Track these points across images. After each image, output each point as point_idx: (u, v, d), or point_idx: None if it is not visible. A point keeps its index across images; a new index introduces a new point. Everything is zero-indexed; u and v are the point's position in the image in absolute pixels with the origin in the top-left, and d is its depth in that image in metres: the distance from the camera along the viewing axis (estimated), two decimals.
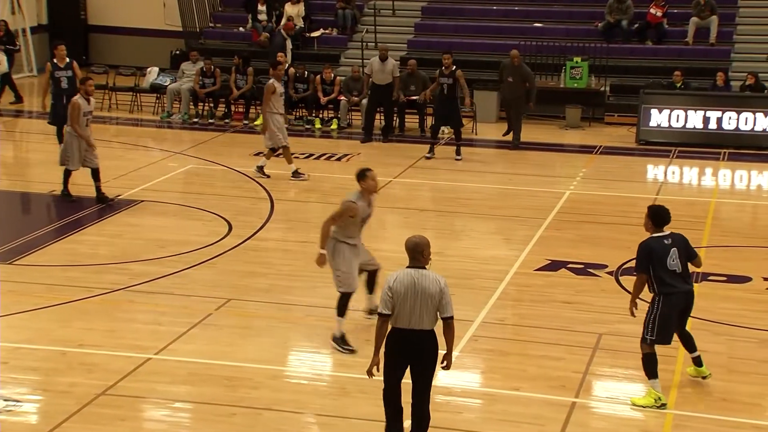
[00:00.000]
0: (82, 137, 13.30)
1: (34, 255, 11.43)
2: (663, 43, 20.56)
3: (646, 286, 8.07)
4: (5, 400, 7.96)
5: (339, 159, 16.62)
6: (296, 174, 14.84)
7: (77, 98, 13.45)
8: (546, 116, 19.52)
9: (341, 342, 9.05)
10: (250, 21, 22.38)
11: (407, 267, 6.98)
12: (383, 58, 17.61)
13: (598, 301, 10.33)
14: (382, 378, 7.11)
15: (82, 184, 14.42)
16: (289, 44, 19.76)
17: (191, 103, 19.36)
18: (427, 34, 21.97)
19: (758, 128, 17.45)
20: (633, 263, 11.40)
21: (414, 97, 18.03)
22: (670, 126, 17.78)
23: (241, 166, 15.75)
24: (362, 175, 9.11)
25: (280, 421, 7.76)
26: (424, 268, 6.97)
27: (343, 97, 18.70)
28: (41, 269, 10.98)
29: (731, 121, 17.54)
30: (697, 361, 8.41)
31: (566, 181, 15.13)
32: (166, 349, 8.98)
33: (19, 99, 20.36)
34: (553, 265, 11.35)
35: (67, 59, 15.83)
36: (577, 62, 19.17)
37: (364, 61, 19.34)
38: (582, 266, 11.35)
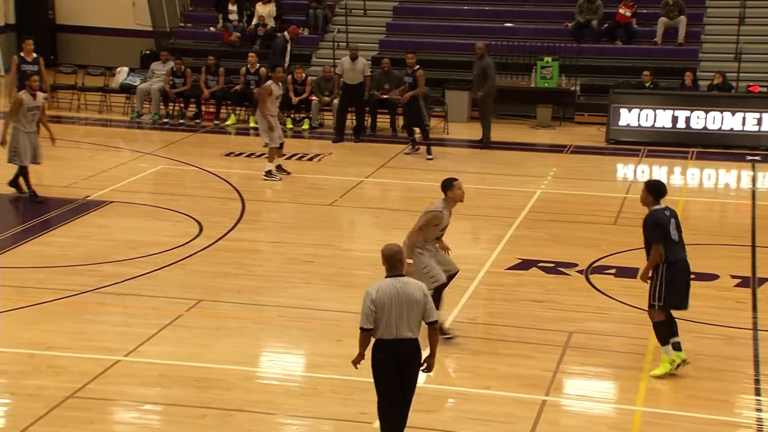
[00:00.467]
0: (5, 131, 13.24)
1: (2, 257, 11.32)
2: (632, 43, 20.72)
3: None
4: None
5: (311, 159, 16.60)
6: (269, 174, 14.82)
7: (22, 93, 13.45)
8: (517, 116, 19.62)
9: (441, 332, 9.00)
10: (220, 21, 22.30)
11: (386, 277, 6.84)
12: (354, 58, 17.61)
13: (569, 300, 10.39)
14: (361, 383, 7.07)
15: (49, 185, 14.32)
16: (289, 47, 19.67)
17: (161, 104, 19.25)
18: (399, 33, 21.99)
19: (726, 127, 17.63)
20: (603, 262, 11.56)
21: (385, 96, 18.02)
22: (639, 125, 17.92)
23: (212, 166, 15.69)
24: (449, 184, 9.17)
25: (252, 423, 7.74)
26: (403, 276, 6.88)
27: (314, 97, 18.67)
28: (9, 271, 10.87)
29: (699, 120, 17.71)
30: (676, 346, 8.60)
31: (537, 181, 15.21)
32: (136, 350, 8.92)
33: None
34: (524, 264, 11.40)
35: (35, 54, 16.11)
36: (547, 62, 19.27)
37: (336, 60, 19.33)
38: (552, 265, 11.42)
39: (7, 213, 13.92)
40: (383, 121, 18.54)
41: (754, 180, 15.80)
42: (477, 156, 17.10)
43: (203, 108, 19.21)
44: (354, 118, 18.00)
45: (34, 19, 23.43)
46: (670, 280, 8.42)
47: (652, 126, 17.87)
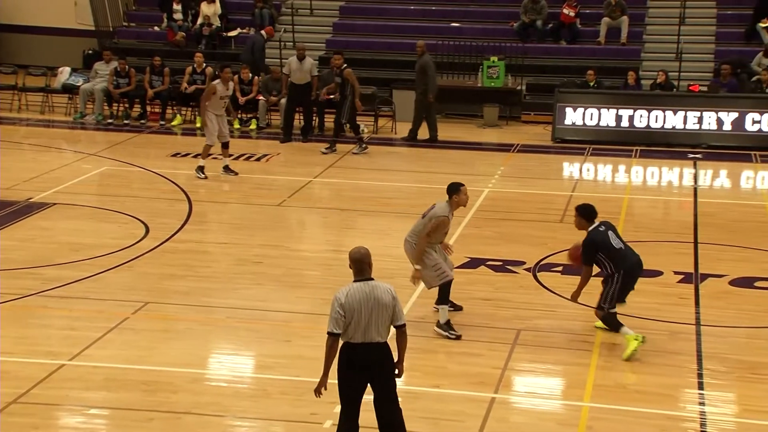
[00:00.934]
0: None
1: None
2: (576, 43, 20.97)
3: (601, 269, 9.02)
4: None
5: (258, 159, 16.51)
6: (200, 169, 14.78)
7: None
8: (464, 115, 19.74)
9: (447, 328, 9.27)
10: (165, 20, 22.07)
11: (355, 281, 6.77)
12: (301, 58, 17.56)
13: (517, 298, 10.48)
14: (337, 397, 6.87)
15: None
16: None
17: (105, 104, 18.99)
18: (346, 33, 21.99)
19: (668, 126, 17.93)
20: (550, 259, 11.68)
21: (330, 96, 17.98)
22: (584, 124, 18.14)
23: (158, 167, 15.52)
24: (456, 189, 9.32)
25: (201, 425, 7.68)
26: (372, 279, 6.82)
27: (261, 97, 18.57)
28: None
29: (642, 119, 17.98)
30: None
31: (484, 179, 15.32)
32: (81, 354, 8.79)
33: None
34: (473, 263, 11.47)
35: None
36: (494, 62, 19.41)
37: (283, 60, 19.24)
38: (501, 263, 11.50)
39: None
40: (331, 120, 18.49)
41: (695, 177, 16.10)
42: (424, 155, 17.16)
43: (148, 108, 19.00)
44: (302, 118, 17.94)
45: None
46: (624, 285, 9.01)
47: (597, 125, 18.11)
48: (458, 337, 9.32)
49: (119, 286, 10.51)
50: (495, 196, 14.53)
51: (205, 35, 21.41)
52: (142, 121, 18.80)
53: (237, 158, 16.38)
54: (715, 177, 16.49)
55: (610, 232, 8.96)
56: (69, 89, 19.48)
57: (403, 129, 18.55)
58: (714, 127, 17.82)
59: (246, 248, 11.82)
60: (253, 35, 20.37)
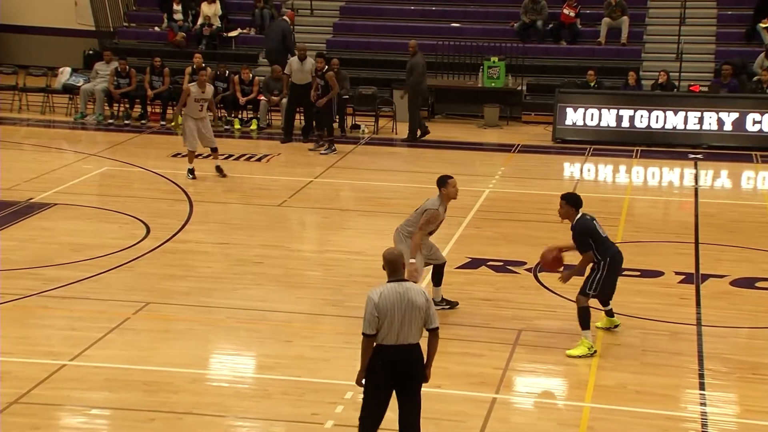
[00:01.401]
0: None
1: None
2: (577, 43, 20.97)
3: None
4: None
5: (259, 159, 16.51)
6: (191, 172, 14.71)
7: None
8: (464, 115, 19.74)
9: (441, 302, 9.63)
10: (165, 20, 22.07)
11: (388, 281, 6.71)
12: (302, 58, 17.55)
13: (518, 298, 10.48)
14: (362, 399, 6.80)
15: None
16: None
17: (106, 104, 18.99)
18: (346, 33, 21.99)
19: (668, 126, 17.93)
20: None
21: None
22: (584, 124, 18.14)
23: (159, 167, 15.52)
24: (443, 182, 9.42)
25: (202, 425, 7.67)
26: (406, 281, 6.78)
27: (262, 97, 18.57)
28: None
29: (643, 119, 17.99)
30: (609, 313, 9.41)
31: (485, 180, 15.32)
32: (82, 354, 8.79)
33: None
34: (473, 263, 11.47)
35: None
36: (494, 62, 19.41)
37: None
38: (501, 263, 11.50)
39: None
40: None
41: (696, 178, 16.10)
42: (424, 155, 17.16)
43: (149, 109, 19.00)
44: (302, 118, 17.94)
45: None
46: (611, 271, 9.03)
47: (598, 125, 18.11)
48: (453, 305, 9.76)
49: (120, 287, 10.51)
50: (495, 196, 14.53)
51: (205, 35, 21.41)
52: (143, 122, 18.80)
53: (238, 158, 16.39)
54: (716, 177, 16.49)
55: (594, 222, 9.09)
56: (69, 89, 19.49)
57: (403, 129, 18.55)
58: (715, 127, 17.82)
59: (246, 248, 11.82)
60: (276, 23, 20.20)
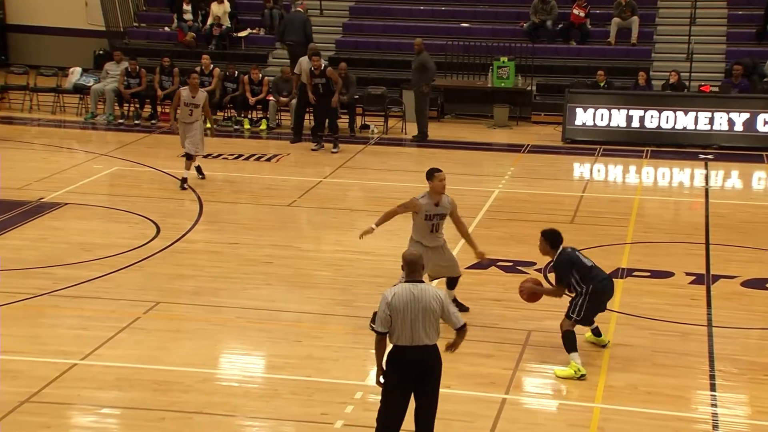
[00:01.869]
0: None
1: None
2: (586, 43, 20.94)
3: (572, 288, 8.84)
4: None
5: (269, 159, 16.53)
6: (184, 181, 14.25)
7: None
8: (474, 115, 19.73)
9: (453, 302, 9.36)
10: (175, 21, 22.11)
11: (405, 281, 6.73)
12: (314, 53, 17.50)
13: None
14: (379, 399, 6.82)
15: (2, 187, 14.11)
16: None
17: (116, 104, 19.05)
18: (355, 34, 22.00)
19: (679, 126, 17.88)
20: None
21: (343, 97, 18.00)
22: (594, 124, 18.11)
23: (169, 167, 15.54)
24: (430, 175, 9.37)
25: (212, 425, 7.69)
26: (422, 282, 6.79)
27: (271, 98, 18.59)
28: None
29: (653, 119, 17.94)
30: (596, 332, 9.17)
31: (494, 180, 15.30)
32: (93, 354, 8.81)
33: None
34: (483, 263, 11.44)
35: None
36: (503, 62, 19.39)
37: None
38: (511, 264, 11.49)
39: None
40: (342, 121, 18.51)
41: (707, 178, 16.05)
42: (435, 155, 17.14)
43: (159, 108, 19.04)
44: (312, 118, 17.95)
45: None
46: (592, 299, 8.71)
47: (608, 125, 18.07)
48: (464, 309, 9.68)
49: (130, 286, 10.53)
50: (505, 196, 14.51)
51: (215, 35, 21.45)
52: (153, 122, 18.84)
53: (247, 159, 16.42)
54: (727, 178, 16.44)
55: (576, 252, 8.85)
56: (80, 89, 19.55)
57: (413, 129, 18.55)
58: (725, 127, 17.77)
59: (256, 248, 11.84)
60: (294, 15, 20.10)
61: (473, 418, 7.86)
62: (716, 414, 8.06)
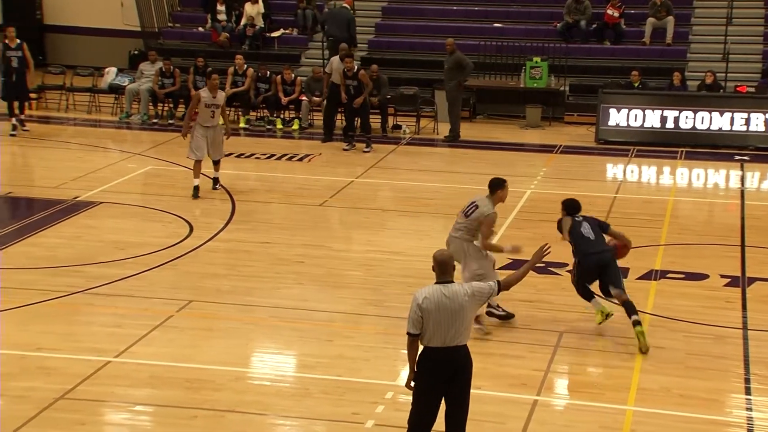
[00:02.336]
0: None
1: None
2: (620, 44, 20.77)
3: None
4: None
5: (301, 159, 16.58)
6: (196, 190, 13.89)
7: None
8: (506, 116, 19.65)
9: (498, 308, 9.74)
10: (209, 21, 22.25)
11: (436, 283, 6.68)
12: (346, 55, 17.56)
13: (559, 300, 10.40)
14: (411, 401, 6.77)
15: (39, 186, 14.30)
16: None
17: (150, 104, 19.20)
18: (388, 34, 22.00)
19: (714, 127, 17.70)
20: None
21: (374, 98, 18.02)
22: (628, 125, 17.97)
23: (202, 167, 15.59)
24: (501, 185, 9.57)
25: (243, 423, 7.72)
26: (453, 283, 6.73)
27: (304, 98, 18.65)
28: None
29: (688, 120, 17.77)
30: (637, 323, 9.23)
31: (527, 181, 15.23)
32: (126, 351, 8.89)
33: None
34: (515, 264, 11.34)
35: (18, 40, 17.39)
36: (536, 62, 19.30)
37: (325, 60, 19.31)
38: (543, 265, 11.39)
39: None
40: (374, 121, 18.53)
41: (742, 179, 15.87)
42: (466, 155, 17.12)
43: None
44: (343, 118, 17.98)
45: (21, 19, 23.33)
46: (581, 270, 9.55)
47: (641, 126, 17.93)
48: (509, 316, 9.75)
49: (163, 285, 10.61)
50: (537, 197, 14.44)
51: (248, 36, 21.56)
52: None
53: (279, 158, 16.49)
54: (763, 179, 16.24)
55: (585, 223, 9.63)
56: (115, 89, 19.75)
57: (445, 129, 18.52)
58: (762, 128, 17.57)
59: (288, 248, 11.88)
60: (339, 11, 20.19)
61: (504, 419, 7.83)
62: (751, 418, 7.96)
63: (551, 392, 8.41)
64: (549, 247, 7.18)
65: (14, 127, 17.54)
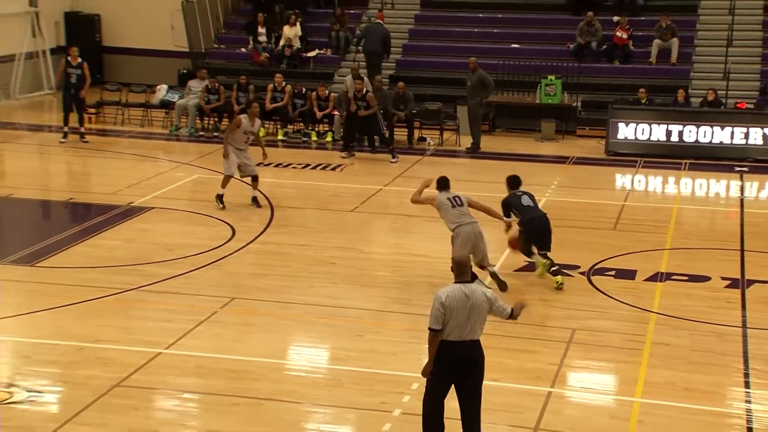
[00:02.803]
0: None
1: (55, 257, 11.39)
2: (629, 63, 20.64)
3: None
4: (28, 391, 7.94)
5: (333, 169, 16.61)
6: (219, 198, 13.72)
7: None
8: (523, 129, 19.58)
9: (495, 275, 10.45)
10: (251, 42, 22.38)
11: (455, 282, 6.71)
12: (356, 77, 17.54)
13: (572, 299, 10.35)
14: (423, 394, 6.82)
15: (97, 192, 14.44)
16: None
17: (197, 118, 19.33)
18: (415, 53, 22.00)
19: (716, 140, 17.54)
20: (603, 264, 11.53)
21: (400, 113, 18.06)
22: (636, 138, 17.85)
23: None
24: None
25: (281, 411, 7.75)
26: (472, 282, 6.79)
27: (336, 113, 18.69)
28: (61, 271, 10.94)
29: (691, 133, 17.63)
30: (545, 256, 10.74)
31: (542, 189, 15.14)
32: (176, 344, 8.95)
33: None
34: (531, 266, 11.34)
35: (79, 59, 17.72)
36: (551, 80, 19.24)
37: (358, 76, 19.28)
38: (557, 267, 11.34)
39: (60, 217, 14.03)
40: (400, 134, 18.54)
41: (742, 189, 15.71)
42: (486, 166, 17.07)
43: None
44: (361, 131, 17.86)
45: (83, 41, 23.54)
46: (527, 231, 10.78)
47: (648, 139, 17.80)
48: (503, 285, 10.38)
49: (209, 283, 10.67)
50: (552, 204, 14.34)
51: (286, 56, 21.64)
52: None
53: (314, 168, 16.53)
54: (761, 189, 16.06)
55: (525, 196, 10.93)
56: (165, 105, 19.90)
57: (466, 142, 18.48)
58: (760, 142, 17.40)
59: (322, 250, 11.90)
60: (375, 26, 20.13)
61: (520, 409, 7.80)
62: (750, 410, 7.88)
63: (564, 385, 8.36)
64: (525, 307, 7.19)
65: (65, 135, 17.84)
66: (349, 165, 16.81)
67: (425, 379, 6.81)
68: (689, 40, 20.97)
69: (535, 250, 10.87)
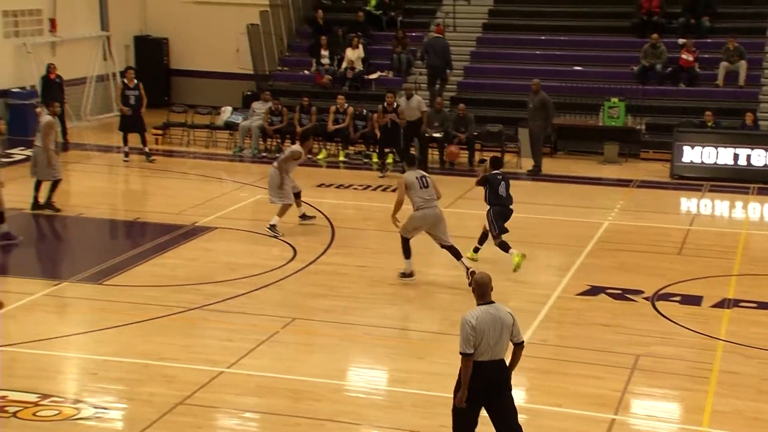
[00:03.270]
0: (48, 151, 14.19)
1: (121, 276, 11.63)
2: (695, 85, 20.29)
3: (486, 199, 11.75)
4: (94, 407, 8.10)
5: (394, 190, 16.51)
6: (272, 228, 13.51)
7: (52, 118, 14.40)
8: (585, 152, 19.38)
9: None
10: (314, 65, 22.64)
11: (479, 304, 6.72)
12: (409, 97, 17.60)
13: (635, 325, 10.16)
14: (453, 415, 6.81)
15: (162, 212, 14.68)
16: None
17: (261, 139, 19.60)
18: (477, 76, 21.98)
19: None
20: (668, 289, 11.30)
21: (436, 134, 18.13)
22: (702, 162, 17.51)
23: (305, 196, 15.76)
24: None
25: None
26: (494, 302, 6.78)
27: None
28: (126, 289, 11.16)
29: (760, 157, 17.23)
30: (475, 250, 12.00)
31: (604, 212, 14.96)
32: (237, 363, 9.04)
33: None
34: (593, 291, 11.20)
35: (135, 81, 18.31)
36: (614, 102, 19.03)
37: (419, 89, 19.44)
38: (620, 291, 11.19)
39: (127, 237, 14.33)
40: (461, 156, 18.48)
41: None
42: (548, 188, 16.92)
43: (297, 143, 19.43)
44: (417, 149, 17.92)
45: (151, 64, 24.19)
46: (496, 216, 11.61)
47: (715, 163, 17.45)
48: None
49: (270, 303, 10.77)
50: (614, 228, 14.17)
51: (348, 78, 21.83)
52: None
53: (375, 189, 16.59)
54: None
55: (503, 182, 11.57)
56: (230, 126, 20.22)
57: (527, 164, 18.36)
58: None
59: (382, 271, 11.92)
60: (437, 40, 20.22)
61: None
62: None
63: (628, 412, 8.20)
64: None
65: (126, 154, 18.36)
66: None
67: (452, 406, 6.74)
68: (757, 62, 20.53)
69: (514, 251, 11.57)
